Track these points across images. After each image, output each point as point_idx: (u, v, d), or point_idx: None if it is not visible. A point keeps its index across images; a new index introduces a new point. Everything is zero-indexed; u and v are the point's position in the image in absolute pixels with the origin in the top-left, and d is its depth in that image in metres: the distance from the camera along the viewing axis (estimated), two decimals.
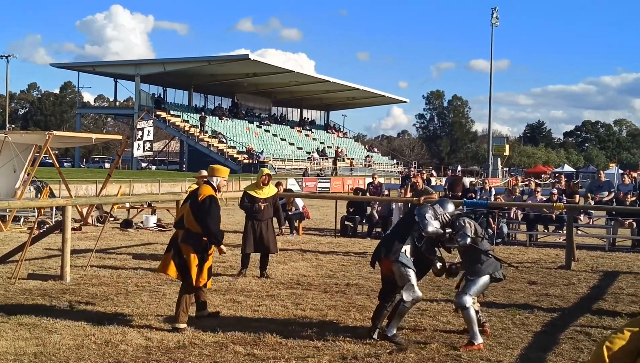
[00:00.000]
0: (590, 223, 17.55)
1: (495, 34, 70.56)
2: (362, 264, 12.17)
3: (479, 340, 6.69)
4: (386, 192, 19.66)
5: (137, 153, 21.52)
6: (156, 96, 67.62)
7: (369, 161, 74.91)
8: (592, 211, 17.11)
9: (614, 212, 16.05)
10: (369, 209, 17.82)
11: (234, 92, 74.17)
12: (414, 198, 14.09)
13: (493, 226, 15.04)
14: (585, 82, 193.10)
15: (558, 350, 6.74)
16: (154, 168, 67.95)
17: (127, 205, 19.26)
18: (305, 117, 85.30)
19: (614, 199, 16.92)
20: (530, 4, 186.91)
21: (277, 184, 15.46)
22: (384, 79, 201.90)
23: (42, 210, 17.31)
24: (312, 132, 79.83)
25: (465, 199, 14.99)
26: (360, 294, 9.37)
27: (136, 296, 8.87)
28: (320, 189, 42.54)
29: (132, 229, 17.40)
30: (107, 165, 65.89)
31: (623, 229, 16.22)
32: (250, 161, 57.45)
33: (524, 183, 30.92)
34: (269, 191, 10.90)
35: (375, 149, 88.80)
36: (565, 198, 16.83)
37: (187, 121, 64.14)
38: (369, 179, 21.31)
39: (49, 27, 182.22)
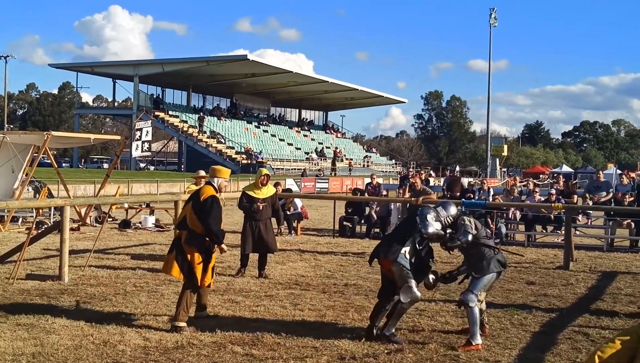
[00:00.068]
0: (589, 224, 17.57)
1: (494, 34, 70.73)
2: (360, 264, 12.17)
3: (478, 340, 6.70)
4: (384, 192, 19.64)
5: (136, 153, 21.51)
6: (155, 96, 67.64)
7: (368, 162, 74.94)
8: (591, 212, 17.13)
9: (612, 212, 16.07)
10: (367, 209, 17.82)
11: (232, 92, 74.16)
12: (413, 199, 14.11)
13: (491, 226, 15.04)
14: (583, 83, 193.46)
15: (556, 350, 6.75)
16: (152, 168, 67.94)
17: (126, 205, 19.26)
18: (303, 118, 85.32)
19: (612, 200, 16.95)
20: (529, 4, 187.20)
21: (276, 185, 15.48)
22: (382, 80, 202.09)
23: (41, 210, 17.30)
24: (310, 132, 79.84)
25: (463, 199, 15.01)
26: (359, 294, 9.37)
27: (134, 297, 8.87)
28: (318, 189, 42.53)
29: (130, 229, 17.40)
30: (105, 165, 65.87)
31: (621, 229, 16.25)
32: (249, 162, 57.44)
33: (523, 183, 30.92)
34: (268, 191, 10.92)
35: (374, 150, 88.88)
36: (563, 198, 16.84)
37: (186, 122, 64.13)
38: (368, 180, 21.34)
39: (48, 27, 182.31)
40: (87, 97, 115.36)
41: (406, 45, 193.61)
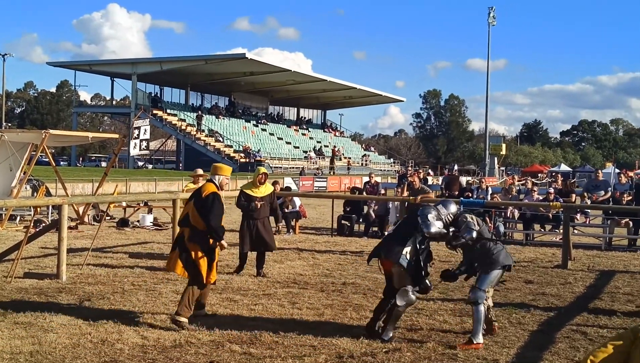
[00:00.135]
0: (587, 222, 17.58)
1: (492, 33, 70.96)
2: (358, 263, 12.17)
3: (480, 339, 6.68)
4: (383, 191, 19.64)
5: (134, 151, 21.43)
6: (153, 94, 67.57)
7: (366, 160, 74.88)
8: (589, 211, 17.13)
9: (610, 211, 16.08)
10: (365, 208, 17.82)
11: (230, 91, 74.13)
12: (411, 197, 14.13)
13: (490, 225, 15.06)
14: (582, 82, 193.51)
15: (554, 349, 6.75)
16: (150, 166, 67.78)
17: (124, 204, 19.25)
18: (302, 116, 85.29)
19: (611, 199, 16.96)
20: (527, 3, 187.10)
21: (274, 183, 15.46)
22: (381, 78, 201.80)
23: (39, 209, 17.28)
24: (309, 131, 79.81)
25: (462, 198, 15.02)
26: (357, 293, 9.37)
27: (132, 295, 8.86)
28: (317, 188, 42.50)
29: (128, 228, 17.39)
30: (103, 164, 65.76)
31: (619, 228, 16.26)
32: (247, 160, 57.41)
33: (521, 182, 30.98)
34: (266, 189, 10.92)
35: (372, 148, 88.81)
36: (561, 197, 16.84)
37: (184, 120, 64.09)
38: (366, 178, 21.37)
39: (46, 25, 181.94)
40: (85, 96, 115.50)
41: (405, 44, 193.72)
